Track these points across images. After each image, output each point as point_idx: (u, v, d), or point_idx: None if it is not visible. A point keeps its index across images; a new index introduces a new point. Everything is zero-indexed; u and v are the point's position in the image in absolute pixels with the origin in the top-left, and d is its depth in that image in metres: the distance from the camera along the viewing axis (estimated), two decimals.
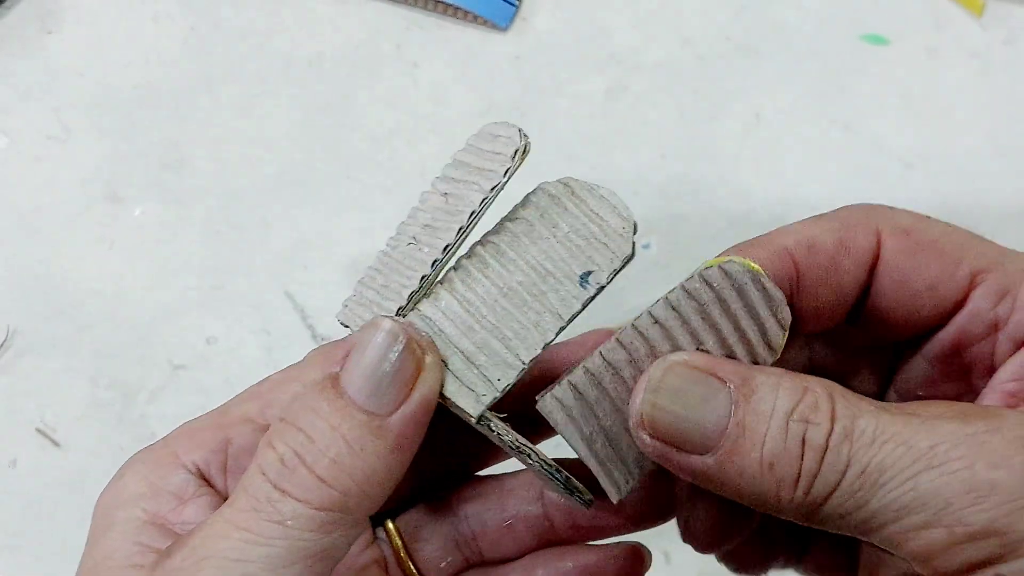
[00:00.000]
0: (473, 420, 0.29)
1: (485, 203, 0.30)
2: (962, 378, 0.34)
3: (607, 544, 0.37)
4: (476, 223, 0.30)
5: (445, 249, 0.30)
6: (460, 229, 0.30)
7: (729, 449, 0.28)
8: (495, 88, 0.62)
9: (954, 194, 0.61)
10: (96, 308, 0.56)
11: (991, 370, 0.32)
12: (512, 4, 0.63)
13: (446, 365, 0.29)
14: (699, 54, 0.63)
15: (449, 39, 0.63)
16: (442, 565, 0.36)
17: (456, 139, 0.60)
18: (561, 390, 0.29)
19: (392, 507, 0.37)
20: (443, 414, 0.30)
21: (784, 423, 0.28)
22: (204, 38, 0.62)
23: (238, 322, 0.56)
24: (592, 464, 0.30)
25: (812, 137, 0.62)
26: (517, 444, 0.30)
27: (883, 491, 0.27)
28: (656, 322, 0.29)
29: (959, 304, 0.33)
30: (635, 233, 0.30)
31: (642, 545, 0.37)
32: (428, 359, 0.29)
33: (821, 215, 0.33)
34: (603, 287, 0.30)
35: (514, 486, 0.37)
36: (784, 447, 0.28)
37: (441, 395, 0.30)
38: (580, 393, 0.29)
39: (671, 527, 0.53)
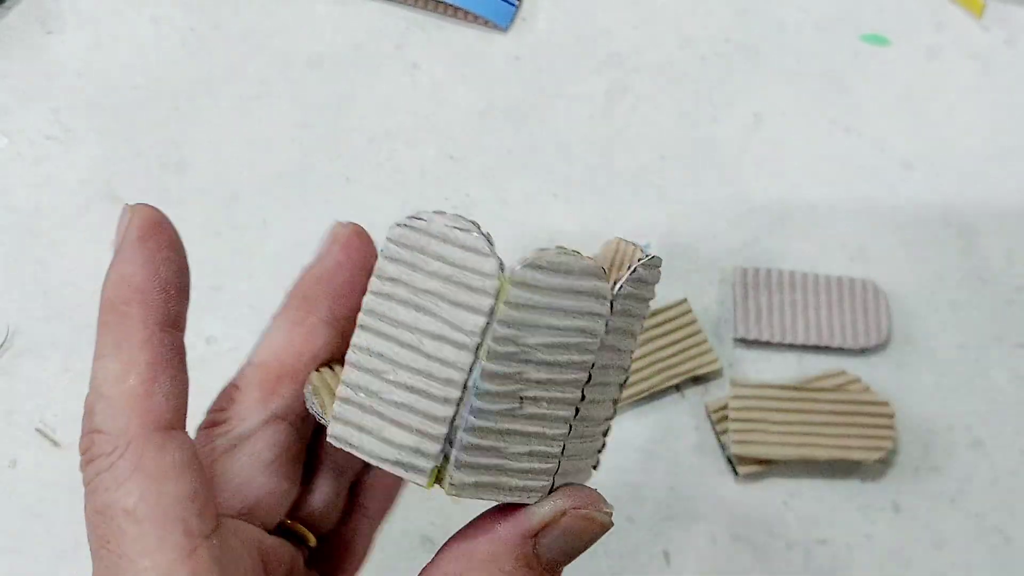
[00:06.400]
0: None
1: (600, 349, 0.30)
2: None
3: None
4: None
5: (583, 398, 0.30)
6: (583, 393, 0.30)
7: None
8: (495, 89, 0.62)
9: (954, 194, 0.61)
10: (96, 308, 0.56)
11: None
12: (512, 4, 0.63)
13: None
14: (699, 55, 0.63)
15: (449, 40, 0.63)
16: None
17: (456, 140, 0.60)
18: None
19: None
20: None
21: None
22: (204, 39, 0.62)
23: (238, 322, 0.56)
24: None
25: (812, 138, 0.62)
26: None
27: None
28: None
29: None
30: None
31: None
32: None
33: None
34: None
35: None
36: None
37: None
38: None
39: (669, 527, 0.53)
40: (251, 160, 0.60)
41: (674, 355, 0.56)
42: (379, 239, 0.60)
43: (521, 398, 0.29)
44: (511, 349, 0.28)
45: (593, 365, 0.29)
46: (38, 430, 0.54)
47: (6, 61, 0.61)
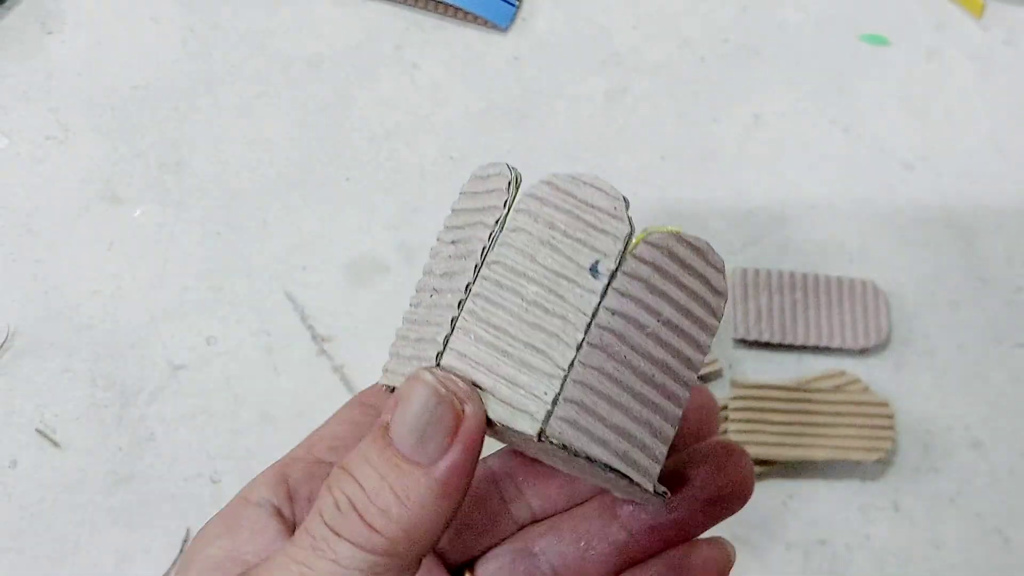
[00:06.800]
0: (535, 439, 0.30)
1: (492, 237, 0.31)
2: None
3: (681, 549, 0.37)
4: (487, 258, 0.31)
5: (466, 288, 0.30)
6: (476, 267, 0.30)
7: None
8: (495, 89, 0.62)
9: (954, 195, 0.61)
10: (95, 309, 0.56)
11: None
12: (512, 5, 0.63)
13: (493, 395, 0.30)
14: (699, 55, 0.63)
15: (449, 40, 0.63)
16: None
17: (455, 140, 0.60)
18: (563, 409, 0.29)
19: (473, 556, 0.38)
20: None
21: None
22: (203, 39, 0.62)
23: (238, 323, 0.56)
24: (616, 463, 0.30)
25: (812, 138, 0.62)
26: (585, 452, 0.30)
27: None
28: (615, 312, 0.30)
29: None
30: (628, 208, 0.31)
31: (721, 538, 0.37)
32: (468, 408, 0.29)
33: None
34: (615, 271, 0.30)
35: (585, 512, 0.37)
36: None
37: (495, 426, 0.30)
38: (578, 404, 0.30)
39: None
40: (251, 160, 0.60)
41: None
42: (377, 238, 0.60)
43: (433, 290, 0.31)
44: (436, 248, 0.32)
45: (484, 259, 0.30)
46: (38, 431, 0.54)
47: (6, 61, 0.61)
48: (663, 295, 0.30)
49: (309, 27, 0.63)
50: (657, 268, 0.30)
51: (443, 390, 0.29)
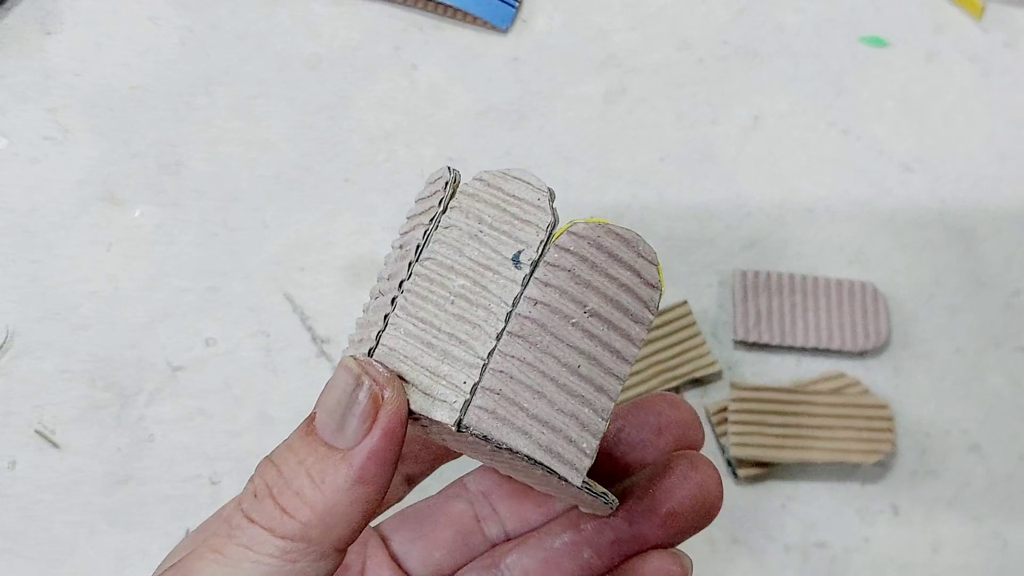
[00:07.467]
0: (453, 428, 0.29)
1: (427, 235, 0.31)
2: None
3: (634, 560, 0.36)
4: (422, 254, 0.31)
5: (400, 285, 0.31)
6: (410, 264, 0.31)
7: None
8: (493, 90, 0.62)
9: (953, 198, 0.61)
10: (93, 310, 0.56)
11: None
12: (511, 6, 0.63)
13: (416, 386, 0.30)
14: (698, 57, 0.63)
15: (448, 41, 0.63)
16: None
17: (454, 141, 0.60)
18: (482, 399, 0.29)
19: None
20: None
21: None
22: (201, 39, 0.62)
23: (236, 324, 0.56)
24: (539, 455, 0.30)
25: (811, 140, 0.62)
26: (506, 444, 0.30)
27: None
28: (537, 303, 0.30)
29: None
30: (553, 200, 0.31)
31: (677, 550, 0.37)
32: (387, 394, 0.29)
33: None
34: (537, 260, 0.30)
35: (551, 528, 0.37)
36: None
37: (425, 424, 0.30)
38: (498, 393, 0.29)
39: None
40: (249, 161, 0.60)
41: (673, 357, 0.56)
42: (376, 239, 0.60)
43: (379, 292, 0.32)
44: (388, 254, 0.32)
45: (419, 256, 0.31)
46: (37, 431, 0.54)
47: (4, 61, 0.61)
48: (589, 286, 0.30)
49: (307, 28, 0.63)
50: (582, 258, 0.30)
51: (362, 375, 0.29)
